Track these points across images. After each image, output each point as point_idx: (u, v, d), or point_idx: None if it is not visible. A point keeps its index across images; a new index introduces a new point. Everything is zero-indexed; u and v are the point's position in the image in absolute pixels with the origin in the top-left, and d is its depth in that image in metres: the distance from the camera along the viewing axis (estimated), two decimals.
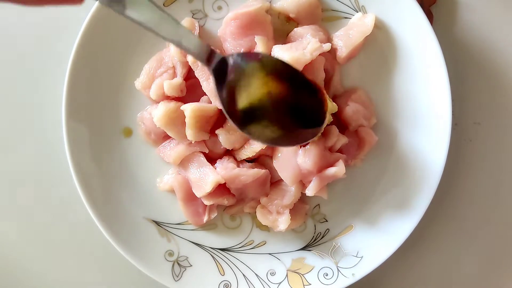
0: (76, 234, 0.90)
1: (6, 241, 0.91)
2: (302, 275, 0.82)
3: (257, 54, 0.70)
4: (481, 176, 0.89)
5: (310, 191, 0.77)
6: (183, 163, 0.82)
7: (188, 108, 0.76)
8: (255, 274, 0.83)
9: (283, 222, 0.79)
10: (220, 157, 0.82)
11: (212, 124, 0.80)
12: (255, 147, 0.78)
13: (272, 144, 0.68)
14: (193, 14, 0.82)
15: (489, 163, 0.89)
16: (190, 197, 0.82)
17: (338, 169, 0.75)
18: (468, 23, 0.87)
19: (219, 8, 0.82)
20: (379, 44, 0.81)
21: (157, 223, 0.84)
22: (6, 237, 0.91)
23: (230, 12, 0.80)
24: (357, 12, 0.80)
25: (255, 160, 0.82)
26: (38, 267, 0.91)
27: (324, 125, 0.70)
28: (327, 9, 0.82)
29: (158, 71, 0.81)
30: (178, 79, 0.80)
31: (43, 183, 0.90)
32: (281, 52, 0.76)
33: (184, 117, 0.76)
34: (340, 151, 0.79)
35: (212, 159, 0.82)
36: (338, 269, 0.81)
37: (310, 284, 0.81)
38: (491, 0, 0.87)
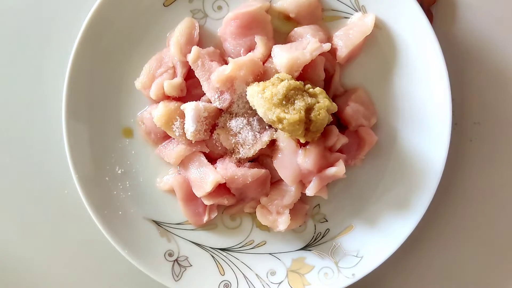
0: (76, 234, 0.90)
1: (6, 241, 0.91)
2: (302, 275, 0.82)
3: None
4: (481, 176, 0.89)
5: (310, 191, 0.77)
6: (183, 163, 0.82)
7: (188, 108, 0.76)
8: (255, 274, 0.83)
9: (282, 222, 0.79)
10: (220, 157, 0.82)
11: (212, 124, 0.80)
12: (255, 147, 0.78)
13: None
14: (193, 14, 0.82)
15: (489, 163, 0.89)
16: (190, 197, 0.82)
17: (338, 169, 0.75)
18: (468, 23, 0.87)
19: (219, 8, 0.82)
20: (379, 44, 0.81)
21: (157, 223, 0.84)
22: (6, 237, 0.91)
23: (230, 12, 0.80)
24: (357, 12, 0.80)
25: (255, 160, 0.82)
26: (38, 267, 0.91)
27: None
28: (327, 9, 0.81)
29: (158, 71, 0.81)
30: (178, 79, 0.80)
31: (43, 183, 0.90)
32: (281, 52, 0.76)
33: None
34: (340, 151, 0.79)
35: (212, 159, 0.82)
36: (338, 269, 0.81)
37: (310, 284, 0.81)
38: (491, 0, 0.87)
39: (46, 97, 0.89)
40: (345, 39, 0.79)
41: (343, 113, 0.80)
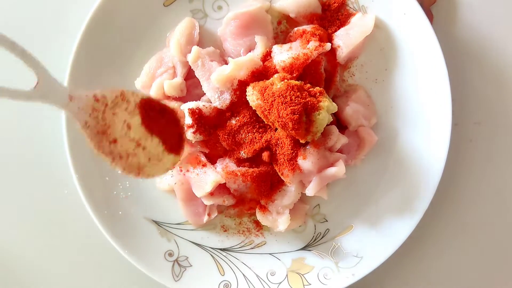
0: (76, 234, 0.90)
1: (6, 241, 0.91)
2: (302, 275, 0.82)
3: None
4: (481, 176, 0.89)
5: (310, 191, 0.77)
6: (183, 163, 0.82)
7: (188, 108, 0.76)
8: (255, 274, 0.83)
9: (282, 222, 0.79)
10: (220, 157, 0.82)
11: (212, 124, 0.79)
12: (255, 147, 0.78)
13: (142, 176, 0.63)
14: (193, 14, 0.82)
15: (489, 163, 0.89)
16: (190, 197, 0.82)
17: (338, 169, 0.75)
18: (468, 23, 0.87)
19: (219, 8, 0.82)
20: (379, 44, 0.81)
21: (157, 223, 0.84)
22: (6, 237, 0.91)
23: (230, 12, 0.81)
24: (357, 12, 0.80)
25: (255, 160, 0.82)
26: (38, 267, 0.91)
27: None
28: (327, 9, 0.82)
29: (158, 71, 0.81)
30: (178, 79, 0.80)
31: (43, 183, 0.90)
32: (281, 52, 0.76)
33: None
34: (340, 151, 0.79)
35: (212, 159, 0.82)
36: (338, 269, 0.81)
37: (310, 284, 0.81)
38: (491, 0, 0.87)
39: None
40: (345, 39, 0.79)
41: (343, 113, 0.80)
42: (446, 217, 0.89)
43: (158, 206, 0.85)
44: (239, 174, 0.77)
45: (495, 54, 0.87)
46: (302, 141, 0.74)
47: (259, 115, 0.75)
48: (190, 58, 0.78)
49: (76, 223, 0.89)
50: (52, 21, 0.88)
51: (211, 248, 0.84)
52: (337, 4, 0.80)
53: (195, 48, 0.78)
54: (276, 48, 0.77)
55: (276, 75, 0.74)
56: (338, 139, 0.78)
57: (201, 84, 0.79)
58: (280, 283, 0.82)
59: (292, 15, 0.80)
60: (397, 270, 0.90)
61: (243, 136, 0.78)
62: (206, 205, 0.82)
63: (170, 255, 0.82)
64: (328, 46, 0.76)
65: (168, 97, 0.81)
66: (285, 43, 0.79)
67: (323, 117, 0.71)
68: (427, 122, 0.80)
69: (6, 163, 0.90)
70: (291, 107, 0.70)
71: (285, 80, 0.72)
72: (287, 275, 0.82)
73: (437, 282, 0.91)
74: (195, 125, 0.76)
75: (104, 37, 0.80)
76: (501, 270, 0.90)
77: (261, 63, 0.78)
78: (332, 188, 0.84)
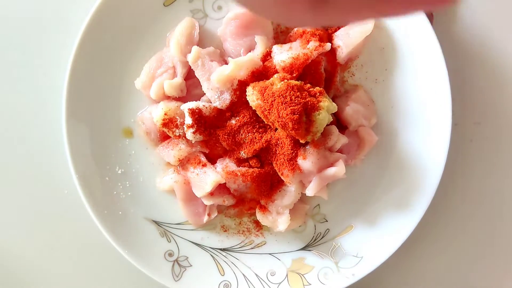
0: (76, 234, 0.90)
1: (6, 241, 0.91)
2: (302, 275, 0.82)
3: None
4: (481, 176, 0.89)
5: (310, 191, 0.77)
6: (183, 163, 0.82)
7: (188, 108, 0.76)
8: (255, 274, 0.83)
9: (282, 222, 0.79)
10: (220, 157, 0.82)
11: (212, 124, 0.80)
12: (255, 147, 0.78)
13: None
14: (193, 14, 0.82)
15: (489, 163, 0.89)
16: (190, 197, 0.82)
17: (338, 169, 0.75)
18: (468, 23, 0.87)
19: (219, 8, 0.82)
20: (379, 44, 0.81)
21: (157, 223, 0.84)
22: (6, 237, 0.91)
23: (230, 12, 0.80)
24: None
25: (255, 160, 0.82)
26: (38, 267, 0.91)
27: None
28: None
29: (158, 71, 0.81)
30: (178, 79, 0.80)
31: (43, 183, 0.90)
32: (280, 52, 0.76)
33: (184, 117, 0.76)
34: (340, 151, 0.79)
35: (212, 159, 0.82)
36: (338, 269, 0.81)
37: (310, 284, 0.81)
38: (491, 0, 0.87)
39: (46, 97, 0.89)
40: (345, 39, 0.79)
41: (343, 113, 0.80)
42: (446, 217, 0.89)
43: (158, 206, 0.85)
44: (239, 174, 0.78)
45: (495, 53, 0.87)
46: (302, 141, 0.74)
47: (259, 115, 0.75)
48: (190, 58, 0.78)
49: (76, 223, 0.89)
50: (52, 21, 0.88)
51: (211, 248, 0.84)
52: None
53: (195, 48, 0.78)
54: (276, 48, 0.77)
55: (276, 75, 0.74)
56: (338, 139, 0.78)
57: (201, 84, 0.79)
58: (280, 283, 0.82)
59: None
60: (397, 270, 0.90)
61: (243, 136, 0.78)
62: (206, 205, 0.82)
63: (170, 255, 0.83)
64: (328, 46, 0.76)
65: (168, 97, 0.81)
66: (285, 43, 0.79)
67: (323, 117, 0.71)
68: (427, 122, 0.80)
69: (6, 163, 0.90)
70: (291, 107, 0.70)
71: (285, 80, 0.72)
72: (287, 275, 0.83)
73: (437, 282, 0.91)
74: (195, 125, 0.76)
75: (104, 37, 0.80)
76: (501, 270, 0.90)
77: (261, 63, 0.78)
78: (332, 188, 0.84)
